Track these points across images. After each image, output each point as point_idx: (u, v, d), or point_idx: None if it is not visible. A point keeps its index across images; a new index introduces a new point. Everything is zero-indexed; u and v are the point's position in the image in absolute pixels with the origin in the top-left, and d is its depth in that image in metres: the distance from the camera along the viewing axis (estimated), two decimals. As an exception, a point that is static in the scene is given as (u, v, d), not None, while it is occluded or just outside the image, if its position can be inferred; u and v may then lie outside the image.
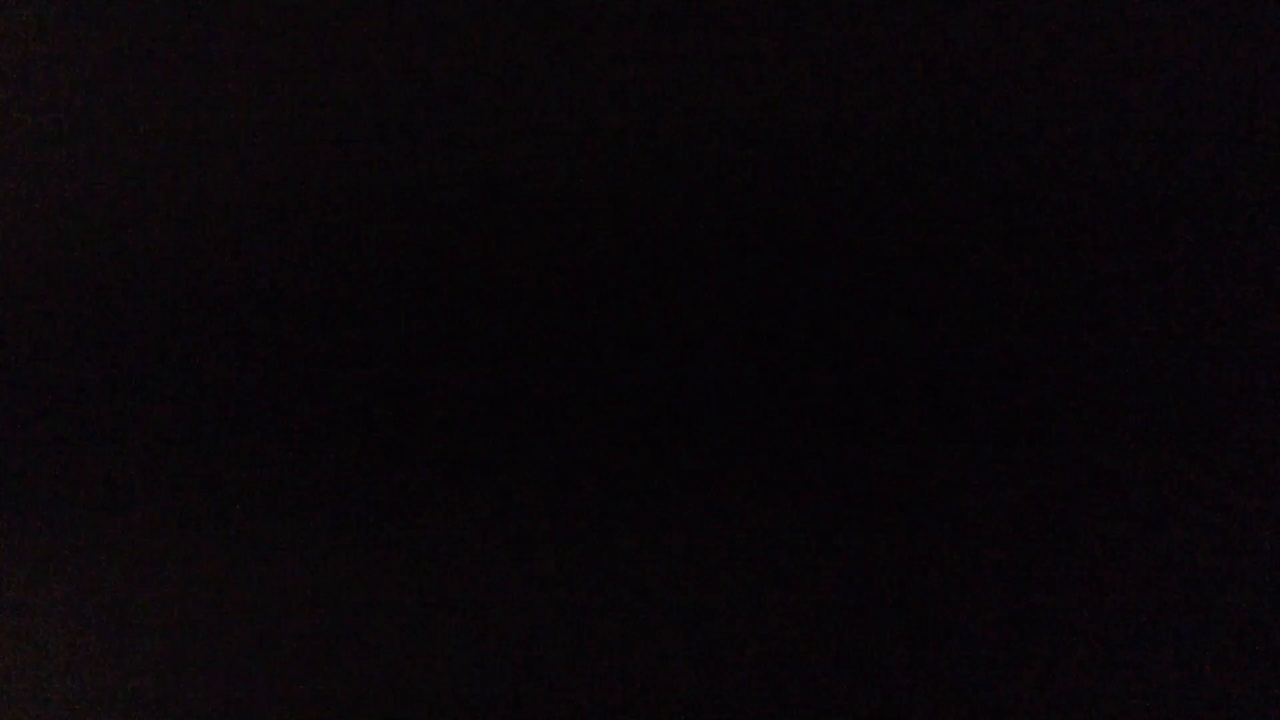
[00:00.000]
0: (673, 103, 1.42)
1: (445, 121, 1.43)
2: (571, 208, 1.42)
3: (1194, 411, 1.38)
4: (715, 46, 1.42)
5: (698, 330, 1.41)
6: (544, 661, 1.41)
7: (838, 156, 1.40)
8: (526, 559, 1.41)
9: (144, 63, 1.45)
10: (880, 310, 1.39)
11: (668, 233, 1.41)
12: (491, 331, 1.42)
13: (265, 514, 1.43)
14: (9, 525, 1.45)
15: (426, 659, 1.42)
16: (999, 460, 1.39)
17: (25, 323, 1.45)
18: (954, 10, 1.40)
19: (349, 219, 1.43)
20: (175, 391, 1.44)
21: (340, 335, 1.43)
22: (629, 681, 1.41)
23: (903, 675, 1.39)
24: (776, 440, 1.40)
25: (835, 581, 1.40)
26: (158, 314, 1.44)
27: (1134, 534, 1.38)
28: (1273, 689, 1.36)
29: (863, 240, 1.40)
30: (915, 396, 1.39)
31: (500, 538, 1.42)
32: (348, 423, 1.42)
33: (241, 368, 1.43)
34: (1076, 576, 1.38)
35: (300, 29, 1.44)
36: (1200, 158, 1.39)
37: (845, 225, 1.40)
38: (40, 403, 1.45)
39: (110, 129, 1.45)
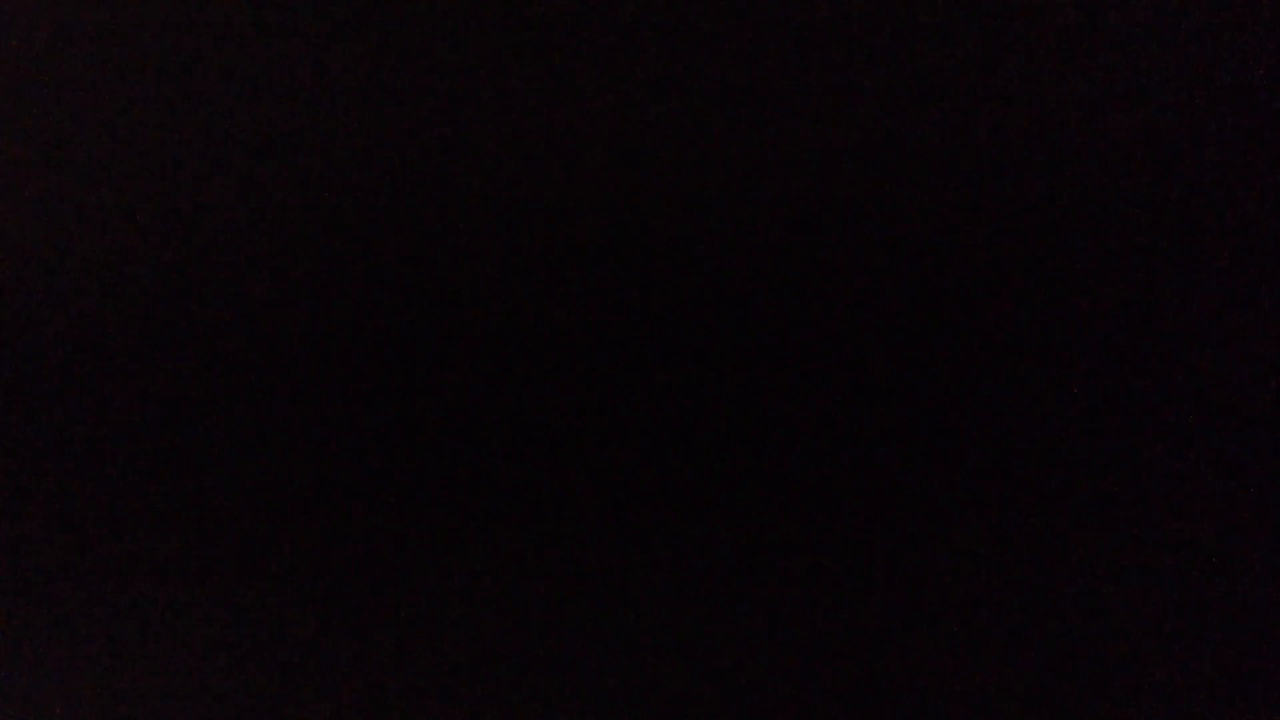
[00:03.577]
0: (670, 106, 1.42)
1: (439, 126, 1.43)
2: (569, 213, 1.42)
3: (1193, 414, 1.38)
4: (712, 49, 1.42)
5: (691, 334, 1.41)
6: (539, 674, 1.42)
7: (833, 160, 1.40)
8: (522, 568, 1.42)
9: (143, 63, 1.45)
10: (873, 313, 1.40)
11: (664, 236, 1.41)
12: (490, 338, 1.42)
13: (262, 521, 1.43)
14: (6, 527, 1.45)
15: (422, 673, 1.42)
16: (993, 463, 1.39)
17: (23, 326, 1.45)
18: (953, 13, 1.40)
19: (347, 223, 1.43)
20: (171, 399, 1.44)
21: (338, 339, 1.43)
22: (623, 686, 1.41)
23: (897, 679, 1.39)
24: (772, 444, 1.40)
25: (831, 586, 1.40)
26: (154, 319, 1.44)
27: (1131, 536, 1.38)
28: (1273, 689, 1.37)
29: (858, 243, 1.40)
30: (911, 400, 1.39)
31: (495, 545, 1.42)
32: (343, 430, 1.43)
33: (238, 373, 1.43)
34: (1074, 579, 1.38)
35: (297, 30, 1.44)
36: (1199, 158, 1.39)
37: (838, 227, 1.40)
38: (36, 409, 1.45)
39: (109, 133, 1.45)
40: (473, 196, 1.43)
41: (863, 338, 1.40)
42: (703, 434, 1.40)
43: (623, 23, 1.42)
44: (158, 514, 1.44)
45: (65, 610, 1.44)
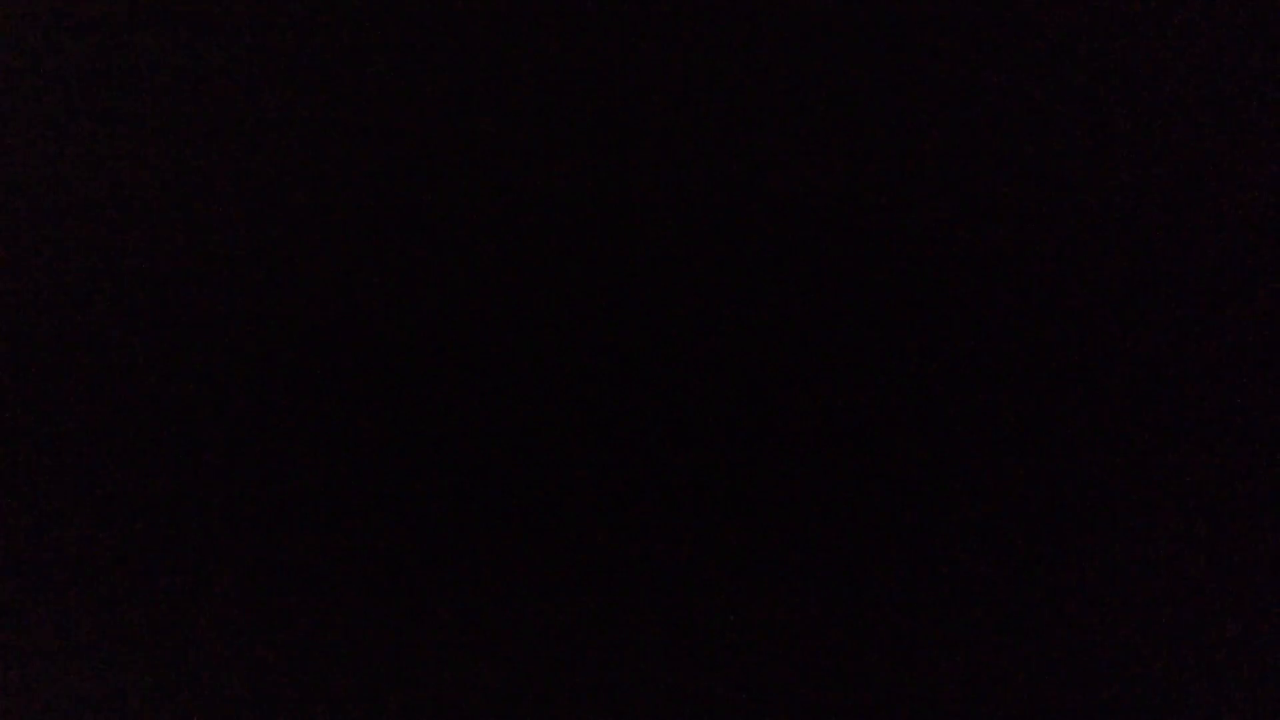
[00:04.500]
0: (668, 106, 1.42)
1: (436, 125, 1.43)
2: (568, 213, 1.42)
3: (1192, 414, 1.38)
4: (709, 49, 1.42)
5: (693, 336, 1.41)
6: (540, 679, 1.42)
7: (831, 161, 1.40)
8: (520, 569, 1.42)
9: (143, 64, 1.45)
10: (873, 314, 1.40)
11: (662, 235, 1.41)
12: (488, 337, 1.42)
13: (260, 521, 1.43)
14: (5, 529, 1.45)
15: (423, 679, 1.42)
16: (993, 465, 1.39)
17: (22, 328, 1.45)
18: (951, 16, 1.40)
19: (345, 222, 1.43)
20: (170, 400, 1.44)
21: (335, 338, 1.43)
22: (625, 689, 1.41)
23: (896, 680, 1.39)
24: (771, 446, 1.40)
25: (830, 588, 1.40)
26: (152, 320, 1.44)
27: (1129, 539, 1.38)
28: (1272, 689, 1.37)
29: (857, 244, 1.40)
30: (911, 402, 1.39)
31: (493, 545, 1.42)
32: (341, 430, 1.43)
33: (237, 372, 1.43)
34: (1072, 581, 1.39)
35: (297, 30, 1.44)
36: (1198, 159, 1.39)
37: (838, 229, 1.40)
38: (35, 410, 1.45)
39: (110, 136, 1.45)
40: (470, 196, 1.42)
41: (861, 337, 1.40)
42: (701, 434, 1.40)
43: (622, 23, 1.42)
44: (156, 513, 1.44)
45: (64, 610, 1.44)
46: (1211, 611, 1.38)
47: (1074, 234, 1.39)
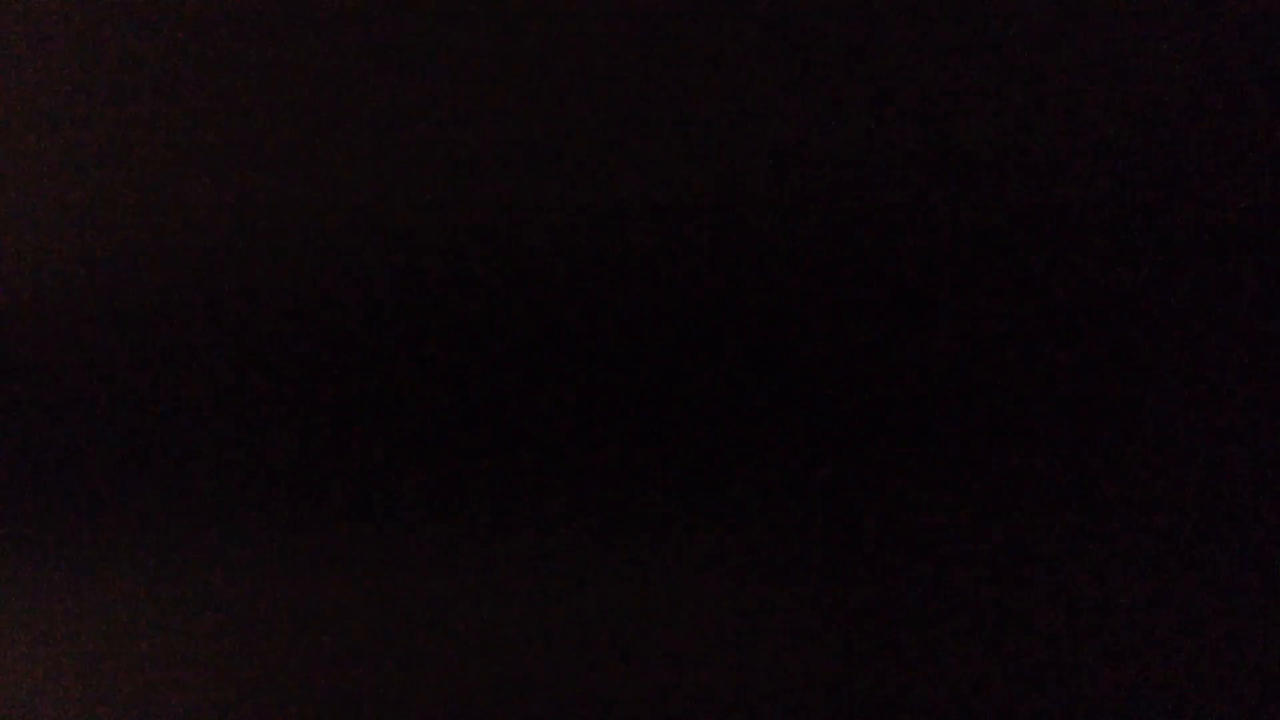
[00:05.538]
0: (665, 115, 1.42)
1: (433, 125, 1.43)
2: (569, 221, 1.42)
3: (1192, 415, 1.38)
4: (708, 55, 1.42)
5: (691, 336, 1.41)
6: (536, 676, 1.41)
7: (829, 169, 1.41)
8: (521, 570, 1.42)
9: (143, 67, 1.45)
10: (874, 314, 1.40)
11: (661, 245, 1.42)
12: (489, 341, 1.42)
13: (256, 527, 1.43)
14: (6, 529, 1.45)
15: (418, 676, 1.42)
16: (991, 465, 1.39)
17: (23, 327, 1.45)
18: (950, 18, 1.40)
19: (347, 226, 1.44)
20: (170, 399, 1.44)
21: (334, 342, 1.43)
22: (620, 690, 1.41)
23: (895, 680, 1.39)
24: (770, 448, 1.40)
25: (828, 588, 1.40)
26: (152, 321, 1.45)
27: (1126, 539, 1.38)
28: (1272, 689, 1.36)
29: (855, 245, 1.40)
30: (909, 403, 1.39)
31: (493, 547, 1.42)
32: (341, 431, 1.43)
33: (235, 376, 1.44)
34: (1071, 581, 1.38)
35: (298, 36, 1.45)
36: (1198, 159, 1.39)
37: (836, 232, 1.40)
38: (36, 410, 1.45)
39: (110, 140, 1.46)
40: (466, 196, 1.43)
41: (858, 333, 1.40)
42: (698, 434, 1.40)
43: (619, 24, 1.43)
44: (153, 509, 1.44)
45: (60, 606, 1.45)
46: (1211, 611, 1.37)
47: (1073, 233, 1.39)
